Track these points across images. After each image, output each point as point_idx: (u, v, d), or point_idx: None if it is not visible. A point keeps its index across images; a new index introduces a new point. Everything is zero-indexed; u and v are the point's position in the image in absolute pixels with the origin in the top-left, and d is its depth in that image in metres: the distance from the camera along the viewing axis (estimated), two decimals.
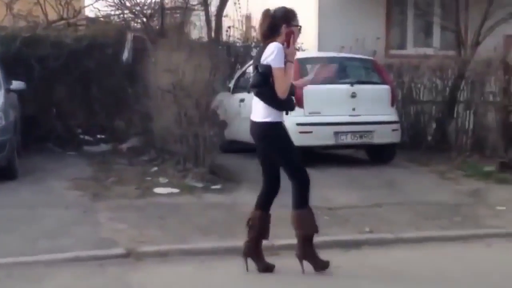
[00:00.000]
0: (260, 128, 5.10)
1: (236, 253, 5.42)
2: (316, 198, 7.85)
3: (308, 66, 9.61)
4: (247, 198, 7.77)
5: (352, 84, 9.80)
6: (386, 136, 9.84)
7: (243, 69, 11.24)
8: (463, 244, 6.32)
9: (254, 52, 10.99)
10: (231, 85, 11.20)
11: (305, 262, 5.17)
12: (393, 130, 9.94)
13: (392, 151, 10.07)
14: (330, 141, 9.69)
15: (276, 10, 5.11)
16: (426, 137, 10.92)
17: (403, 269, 5.50)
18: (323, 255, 5.29)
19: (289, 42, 4.99)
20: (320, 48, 12.25)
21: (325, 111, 9.62)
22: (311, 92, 9.19)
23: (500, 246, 6.22)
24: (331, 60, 9.64)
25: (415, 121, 11.09)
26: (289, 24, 5.05)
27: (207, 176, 8.58)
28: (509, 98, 9.53)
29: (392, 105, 10.06)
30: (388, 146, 9.97)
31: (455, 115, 10.67)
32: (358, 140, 9.78)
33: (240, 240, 5.46)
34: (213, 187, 8.44)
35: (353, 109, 9.73)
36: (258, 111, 5.09)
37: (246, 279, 5.18)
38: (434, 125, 11.02)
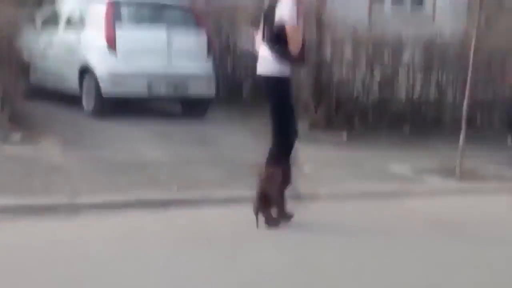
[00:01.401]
0: (266, 81, 5.31)
1: (36, 212, 5.08)
2: (124, 153, 7.71)
3: (124, 10, 9.22)
4: (50, 151, 7.33)
5: (168, 32, 9.53)
6: (201, 88, 9.75)
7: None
8: None
9: None
10: (39, 20, 10.45)
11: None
12: (209, 82, 9.85)
13: (207, 105, 10.01)
14: (143, 92, 9.43)
15: None
16: (242, 93, 10.95)
17: (210, 229, 5.48)
18: (127, 216, 5.12)
19: None
20: None
21: (138, 60, 9.30)
22: (124, 38, 8.83)
23: (302, 207, 6.39)
24: (146, 5, 9.30)
25: (232, 75, 11.07)
26: None
27: (6, 125, 7.98)
28: (321, 56, 9.74)
29: (209, 56, 9.93)
30: (203, 99, 9.89)
31: None
32: (172, 92, 9.60)
33: (39, 197, 5.14)
34: (13, 137, 7.89)
35: (169, 59, 9.50)
36: (264, 64, 5.28)
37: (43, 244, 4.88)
38: (250, 80, 11.06)
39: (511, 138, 10.34)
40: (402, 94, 10.67)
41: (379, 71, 10.38)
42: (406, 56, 10.59)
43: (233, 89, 11.01)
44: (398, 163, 8.55)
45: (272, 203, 5.44)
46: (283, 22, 5.15)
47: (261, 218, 5.49)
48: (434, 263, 4.93)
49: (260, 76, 5.43)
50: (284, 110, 5.43)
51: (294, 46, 5.17)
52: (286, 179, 5.54)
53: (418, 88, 10.77)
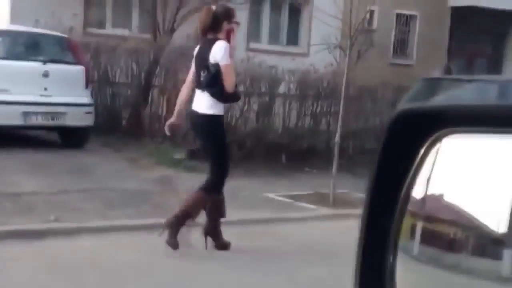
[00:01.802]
0: (202, 119, 5.65)
1: None
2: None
3: None
4: None
5: (44, 62, 9.40)
6: (79, 118, 9.64)
7: None
8: (148, 233, 6.43)
9: None
10: None
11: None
12: (86, 112, 9.77)
13: (85, 134, 9.89)
14: (19, 122, 9.21)
15: (218, 8, 5.70)
16: (121, 122, 10.91)
17: (85, 259, 5.44)
18: (2, 246, 4.99)
19: (229, 38, 5.57)
20: (12, 21, 11.52)
21: (13, 89, 9.09)
22: None
23: (181, 234, 6.45)
24: (21, 35, 9.13)
25: (111, 104, 11.03)
26: (230, 21, 5.62)
27: None
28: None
29: (86, 86, 9.86)
30: (81, 129, 9.78)
31: (149, 101, 10.82)
32: (50, 122, 9.44)
33: None
34: None
35: (45, 89, 9.36)
36: (201, 103, 5.63)
37: None
38: (129, 110, 11.06)
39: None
40: (278, 123, 10.99)
41: (256, 101, 10.66)
42: (282, 88, 10.95)
43: (112, 118, 10.94)
44: (274, 190, 8.79)
45: (185, 224, 5.75)
46: (217, 62, 5.49)
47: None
48: (295, 282, 5.14)
49: (195, 114, 5.75)
50: (222, 144, 5.85)
51: (229, 83, 5.54)
52: (221, 211, 5.92)
53: (293, 118, 11.13)
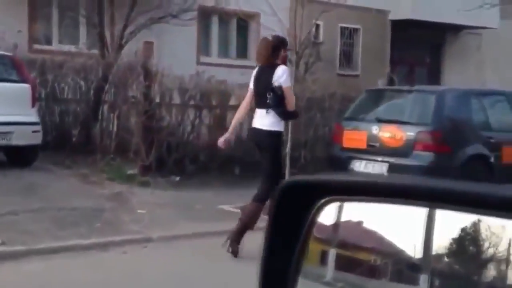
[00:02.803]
0: (264, 134, 6.11)
1: None
2: None
3: None
4: None
5: None
6: (26, 137, 9.09)
7: None
8: (102, 252, 6.02)
9: None
10: None
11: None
12: (34, 131, 9.23)
13: (33, 153, 9.35)
14: None
15: (274, 38, 6.33)
16: (71, 139, 10.37)
17: (35, 284, 4.98)
18: None
19: (285, 63, 6.26)
20: None
21: None
22: None
23: (136, 252, 6.07)
24: None
25: (60, 121, 10.50)
26: (285, 49, 6.30)
27: None
28: (149, 103, 9.55)
29: (33, 105, 9.34)
30: (29, 148, 9.24)
31: (100, 117, 10.34)
32: None
33: None
34: None
35: None
36: (265, 121, 6.11)
37: None
38: (79, 127, 10.54)
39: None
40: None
41: (208, 115, 10.33)
42: (233, 101, 10.65)
43: (61, 136, 10.40)
44: (229, 202, 8.46)
45: (245, 233, 6.02)
46: (280, 84, 6.02)
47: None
48: None
49: (259, 131, 6.20)
50: (279, 157, 6.39)
51: (291, 103, 6.13)
52: (254, 222, 6.07)
53: (246, 130, 10.84)
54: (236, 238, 5.99)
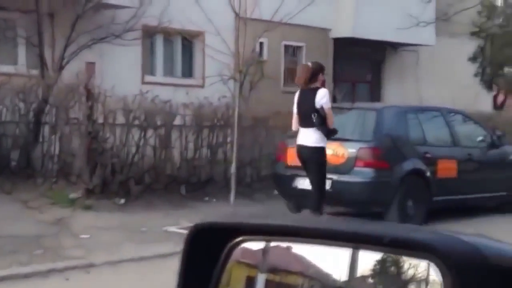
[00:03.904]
0: (312, 150, 6.96)
1: None
2: None
3: None
4: None
5: None
6: None
7: None
8: (43, 279, 5.82)
9: None
10: None
11: None
12: None
13: None
14: None
15: (313, 64, 7.20)
16: (10, 163, 9.99)
17: None
18: None
19: (324, 85, 7.10)
20: None
21: None
22: None
23: (78, 278, 5.89)
24: None
25: None
26: (323, 73, 7.16)
27: None
28: (92, 124, 9.33)
29: None
30: None
31: (40, 140, 10.02)
32: None
33: None
34: None
35: None
36: (310, 138, 6.97)
37: None
38: (18, 150, 10.17)
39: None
40: (176, 156, 10.55)
41: (153, 135, 10.18)
42: (178, 120, 10.54)
43: (0, 159, 9.95)
44: (175, 223, 8.33)
45: None
46: (322, 105, 6.84)
47: None
48: None
49: (305, 147, 7.03)
50: (324, 169, 7.11)
51: (331, 122, 6.93)
52: None
53: (191, 149, 10.74)
54: None
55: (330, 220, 1.40)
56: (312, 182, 7.18)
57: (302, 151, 7.12)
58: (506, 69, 20.05)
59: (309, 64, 7.22)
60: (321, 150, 7.03)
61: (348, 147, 8.37)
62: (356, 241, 1.14)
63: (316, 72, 7.02)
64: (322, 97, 6.88)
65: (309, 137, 6.99)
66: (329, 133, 7.06)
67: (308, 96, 6.95)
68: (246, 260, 1.28)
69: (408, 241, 1.08)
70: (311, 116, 6.85)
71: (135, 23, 11.66)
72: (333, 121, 7.02)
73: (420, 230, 1.17)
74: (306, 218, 1.62)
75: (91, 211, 8.54)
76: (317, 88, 6.94)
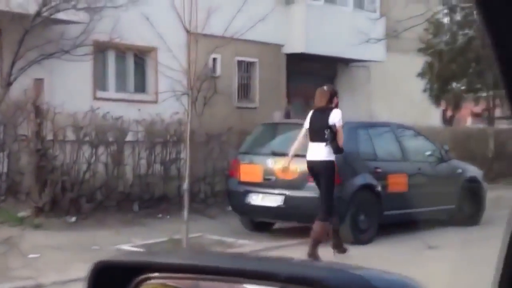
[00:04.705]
0: (323, 164, 7.47)
1: None
2: None
3: None
4: None
5: None
6: None
7: None
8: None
9: None
10: None
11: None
12: None
13: None
14: None
15: (329, 88, 7.96)
16: None
17: None
18: None
19: (337, 106, 7.69)
20: None
21: None
22: None
23: None
24: None
25: None
26: (337, 97, 7.84)
27: None
28: (41, 141, 9.13)
29: None
30: None
31: None
32: None
33: None
34: None
35: None
36: (321, 153, 7.49)
37: None
38: None
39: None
40: (129, 173, 10.41)
41: (104, 152, 10.02)
42: (130, 136, 10.40)
43: None
44: (128, 241, 8.19)
45: (318, 246, 7.39)
46: (334, 123, 7.39)
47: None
48: None
49: (315, 161, 7.52)
50: (333, 181, 7.53)
51: (341, 140, 7.44)
52: (325, 235, 7.50)
53: (144, 166, 10.61)
54: (312, 253, 7.27)
55: (230, 257, 1.46)
56: (321, 194, 7.56)
57: (314, 165, 7.57)
58: (453, 85, 20.50)
59: (325, 88, 7.85)
60: (331, 164, 7.51)
61: (301, 162, 8.39)
62: (254, 277, 1.19)
63: (333, 94, 7.76)
64: (336, 116, 7.45)
65: (320, 151, 7.50)
66: (338, 150, 7.48)
67: (322, 115, 7.53)
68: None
69: (302, 278, 1.14)
70: (324, 132, 7.41)
71: (85, 38, 11.49)
72: (343, 139, 7.51)
73: (313, 266, 1.28)
74: (209, 256, 1.70)
75: (41, 229, 8.34)
76: (331, 108, 7.54)
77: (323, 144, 7.46)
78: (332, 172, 7.54)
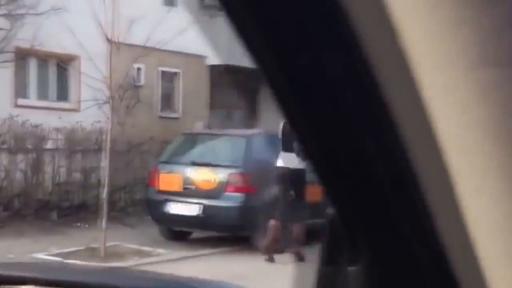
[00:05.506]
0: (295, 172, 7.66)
1: None
2: None
3: None
4: None
5: None
6: None
7: None
8: None
9: None
10: None
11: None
12: None
13: None
14: None
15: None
16: None
17: None
18: None
19: None
20: None
21: None
22: None
23: None
24: None
25: None
26: None
27: None
28: None
29: None
30: None
31: None
32: None
33: None
34: None
35: None
36: (292, 161, 7.65)
37: None
38: None
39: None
40: (48, 180, 10.27)
41: (23, 160, 9.86)
42: (50, 144, 10.28)
43: None
44: (44, 249, 8.09)
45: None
46: None
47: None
48: None
49: (286, 169, 7.75)
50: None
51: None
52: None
53: (63, 174, 10.50)
54: (298, 252, 7.67)
55: (77, 271, 1.57)
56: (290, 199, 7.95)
57: (282, 173, 7.92)
58: None
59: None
60: (301, 172, 7.70)
61: (219, 172, 8.53)
62: None
63: None
64: None
65: (289, 161, 7.81)
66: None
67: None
68: None
69: None
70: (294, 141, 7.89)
71: (6, 45, 11.29)
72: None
73: (172, 281, 1.34)
74: (57, 269, 1.71)
75: None
76: None
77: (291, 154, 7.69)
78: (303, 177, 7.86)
